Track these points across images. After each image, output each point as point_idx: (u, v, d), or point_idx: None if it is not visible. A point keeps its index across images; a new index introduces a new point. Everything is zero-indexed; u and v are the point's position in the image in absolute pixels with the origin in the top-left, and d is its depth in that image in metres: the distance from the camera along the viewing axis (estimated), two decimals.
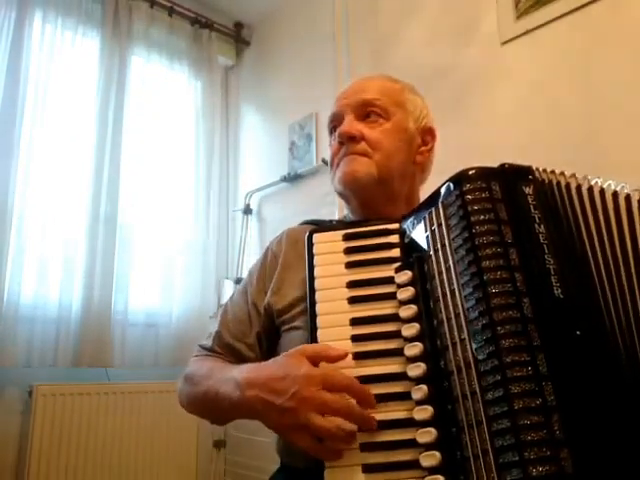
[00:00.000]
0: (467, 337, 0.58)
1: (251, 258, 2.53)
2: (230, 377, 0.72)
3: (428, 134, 0.97)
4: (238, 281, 2.47)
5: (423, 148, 0.95)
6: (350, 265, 0.72)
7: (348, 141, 0.88)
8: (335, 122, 0.94)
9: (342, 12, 2.29)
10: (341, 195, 0.94)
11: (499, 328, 0.56)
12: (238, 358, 0.86)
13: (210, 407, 0.80)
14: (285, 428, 0.63)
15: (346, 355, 0.65)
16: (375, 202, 0.89)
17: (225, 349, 0.90)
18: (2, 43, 2.07)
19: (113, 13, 2.36)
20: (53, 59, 2.17)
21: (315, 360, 0.64)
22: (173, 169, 2.51)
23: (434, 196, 0.68)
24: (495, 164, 0.67)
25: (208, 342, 0.92)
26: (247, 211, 2.63)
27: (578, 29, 1.52)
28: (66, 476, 1.93)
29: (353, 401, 0.61)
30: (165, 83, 2.56)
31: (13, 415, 1.96)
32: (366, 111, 0.90)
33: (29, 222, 2.03)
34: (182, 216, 2.49)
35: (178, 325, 2.35)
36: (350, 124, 0.89)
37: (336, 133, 0.91)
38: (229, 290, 2.55)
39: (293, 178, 2.41)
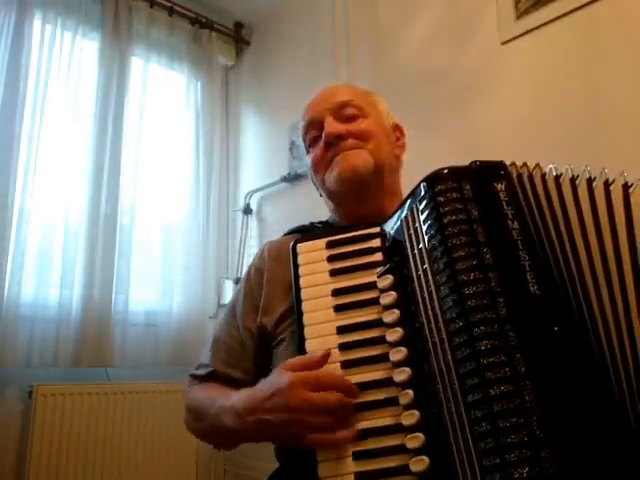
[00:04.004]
0: (446, 340, 0.58)
1: (251, 258, 2.52)
2: (230, 406, 0.73)
3: (397, 130, 1.00)
4: (238, 281, 2.47)
5: (399, 142, 0.99)
6: (334, 273, 0.72)
7: (336, 140, 0.89)
8: (313, 129, 0.94)
9: (342, 12, 2.28)
10: (334, 195, 0.93)
11: (475, 330, 0.55)
12: (235, 385, 0.83)
13: (217, 438, 0.83)
14: (293, 437, 0.64)
15: (328, 354, 0.66)
16: (369, 195, 0.89)
17: (221, 380, 0.88)
18: (2, 43, 2.07)
19: (113, 13, 2.36)
20: (53, 59, 2.17)
21: (299, 370, 0.66)
22: (173, 169, 2.51)
23: (412, 196, 0.68)
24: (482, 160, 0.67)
25: (201, 372, 0.91)
26: (247, 211, 2.63)
27: (578, 29, 1.51)
28: (66, 476, 1.93)
29: (338, 395, 0.63)
30: (165, 83, 2.56)
31: (13, 415, 1.97)
32: (344, 112, 0.92)
33: (29, 222, 2.02)
34: (182, 216, 2.49)
35: (178, 325, 2.35)
36: (334, 125, 0.90)
37: (322, 139, 0.91)
38: (229, 290, 2.55)
39: (293, 178, 2.41)
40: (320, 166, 0.93)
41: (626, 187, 0.64)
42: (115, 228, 2.22)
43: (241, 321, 0.90)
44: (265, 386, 0.68)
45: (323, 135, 0.90)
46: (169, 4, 2.57)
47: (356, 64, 2.19)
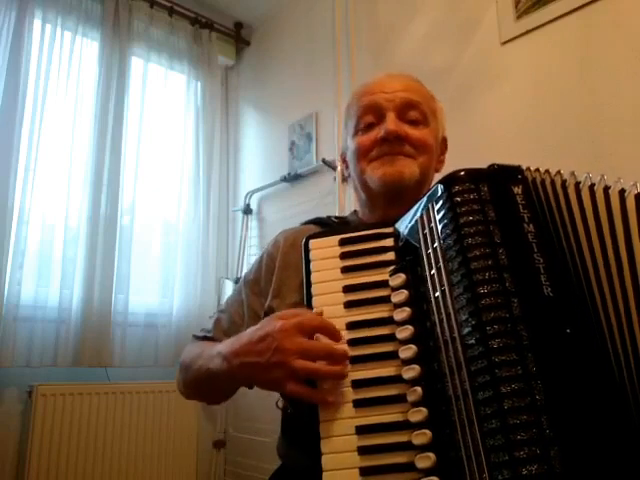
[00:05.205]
0: (458, 338, 0.58)
1: (251, 258, 2.53)
2: (216, 352, 0.75)
3: (444, 144, 0.99)
4: (238, 281, 2.46)
5: (442, 157, 0.98)
6: (346, 270, 0.73)
7: (395, 140, 0.87)
8: (371, 115, 0.91)
9: (342, 12, 2.29)
10: (369, 190, 0.92)
11: (488, 328, 0.56)
12: None
13: (205, 386, 0.83)
14: (276, 382, 0.66)
15: (321, 313, 0.69)
16: (403, 203, 0.86)
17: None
18: (2, 43, 2.07)
19: (113, 13, 2.36)
20: (53, 59, 2.17)
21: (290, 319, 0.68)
22: (173, 169, 2.51)
23: (426, 197, 0.69)
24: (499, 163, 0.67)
25: (200, 334, 0.95)
26: (247, 211, 2.63)
27: (578, 29, 1.52)
28: (66, 476, 1.93)
29: (327, 340, 0.66)
30: (165, 83, 2.56)
31: (13, 415, 1.96)
32: (409, 114, 0.89)
33: (29, 222, 2.02)
34: (182, 216, 2.49)
35: (178, 325, 2.35)
36: (397, 123, 0.88)
37: (379, 130, 0.88)
38: (229, 290, 2.55)
39: (293, 178, 2.41)
40: (365, 155, 0.91)
41: (623, 193, 0.65)
42: (115, 228, 2.21)
43: (246, 300, 0.93)
44: (255, 331, 0.70)
45: (383, 130, 0.87)
46: (169, 4, 2.57)
47: (356, 64, 2.19)
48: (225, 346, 0.74)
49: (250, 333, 0.71)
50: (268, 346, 0.66)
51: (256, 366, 0.67)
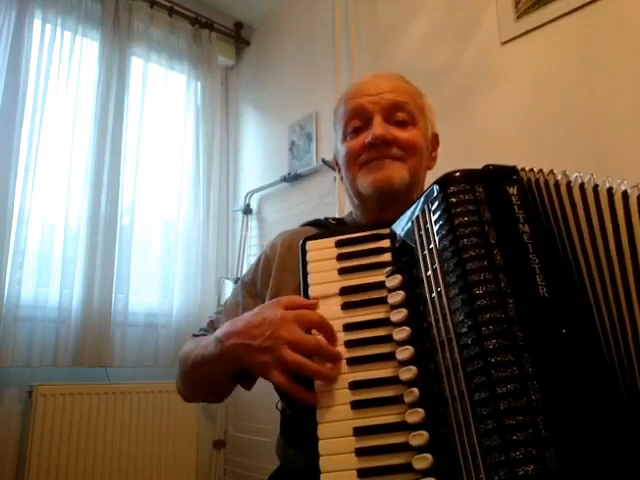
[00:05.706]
0: (454, 339, 0.58)
1: (251, 258, 2.53)
2: (212, 339, 0.76)
3: (435, 140, 0.98)
4: (238, 281, 2.47)
5: (433, 154, 0.97)
6: (343, 271, 0.73)
7: (382, 145, 0.86)
8: (358, 119, 0.90)
9: (342, 12, 2.29)
10: (360, 195, 0.91)
11: (483, 329, 0.56)
12: None
13: (200, 377, 0.82)
14: (264, 366, 0.66)
15: (317, 303, 0.69)
16: (396, 205, 0.85)
17: None
18: (2, 43, 2.07)
19: (113, 13, 2.36)
20: (53, 59, 2.17)
21: (290, 307, 0.69)
22: (173, 169, 2.51)
23: (422, 198, 0.69)
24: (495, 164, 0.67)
25: (197, 333, 0.95)
26: (247, 211, 2.63)
27: (578, 29, 1.52)
28: (66, 476, 1.94)
29: (321, 337, 0.66)
30: (165, 83, 2.56)
31: (13, 415, 1.97)
32: (396, 115, 0.88)
33: (29, 222, 2.02)
34: (182, 216, 2.49)
35: (178, 325, 2.35)
36: (383, 127, 0.87)
37: (367, 136, 0.87)
38: (229, 290, 2.55)
39: (293, 178, 2.41)
40: (354, 161, 0.90)
41: (611, 190, 0.65)
42: (115, 228, 2.22)
43: (242, 302, 0.94)
44: (254, 315, 0.71)
45: (370, 135, 0.86)
46: (169, 4, 2.57)
47: (356, 64, 2.19)
48: (220, 330, 0.75)
49: (248, 317, 0.71)
50: (263, 331, 0.67)
51: (247, 348, 0.68)
